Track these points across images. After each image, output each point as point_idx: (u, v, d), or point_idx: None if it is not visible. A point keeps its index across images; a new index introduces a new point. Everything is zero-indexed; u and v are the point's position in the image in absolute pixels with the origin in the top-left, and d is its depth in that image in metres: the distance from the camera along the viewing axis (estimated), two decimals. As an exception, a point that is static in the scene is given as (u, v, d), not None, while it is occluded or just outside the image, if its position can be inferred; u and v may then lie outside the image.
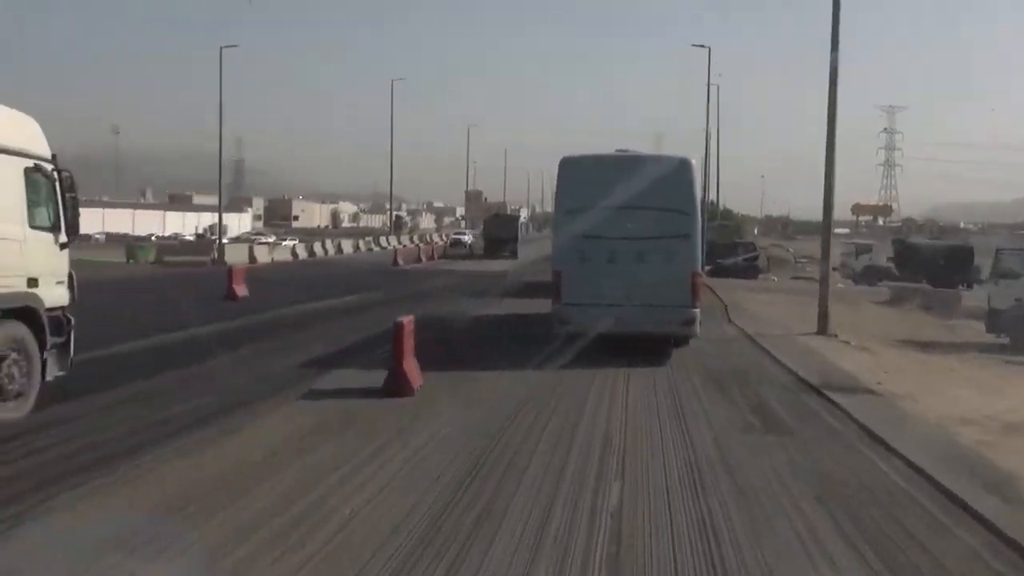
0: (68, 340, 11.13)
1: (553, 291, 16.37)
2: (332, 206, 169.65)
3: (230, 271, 27.14)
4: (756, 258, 52.33)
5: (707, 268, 40.90)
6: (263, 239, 79.58)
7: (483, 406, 11.88)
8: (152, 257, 51.60)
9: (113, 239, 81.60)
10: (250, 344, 17.17)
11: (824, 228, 22.80)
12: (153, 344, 16.67)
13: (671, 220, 15.88)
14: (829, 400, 12.56)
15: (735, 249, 54.03)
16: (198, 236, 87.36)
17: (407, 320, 12.57)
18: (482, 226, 69.94)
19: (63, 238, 11.17)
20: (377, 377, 12.40)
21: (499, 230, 61.82)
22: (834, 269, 40.79)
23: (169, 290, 31.16)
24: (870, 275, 50.93)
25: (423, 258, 55.87)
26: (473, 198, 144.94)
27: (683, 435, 10.39)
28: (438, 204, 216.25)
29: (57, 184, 11.09)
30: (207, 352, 15.90)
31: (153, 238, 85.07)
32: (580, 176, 16.41)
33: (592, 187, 16.07)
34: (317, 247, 62.17)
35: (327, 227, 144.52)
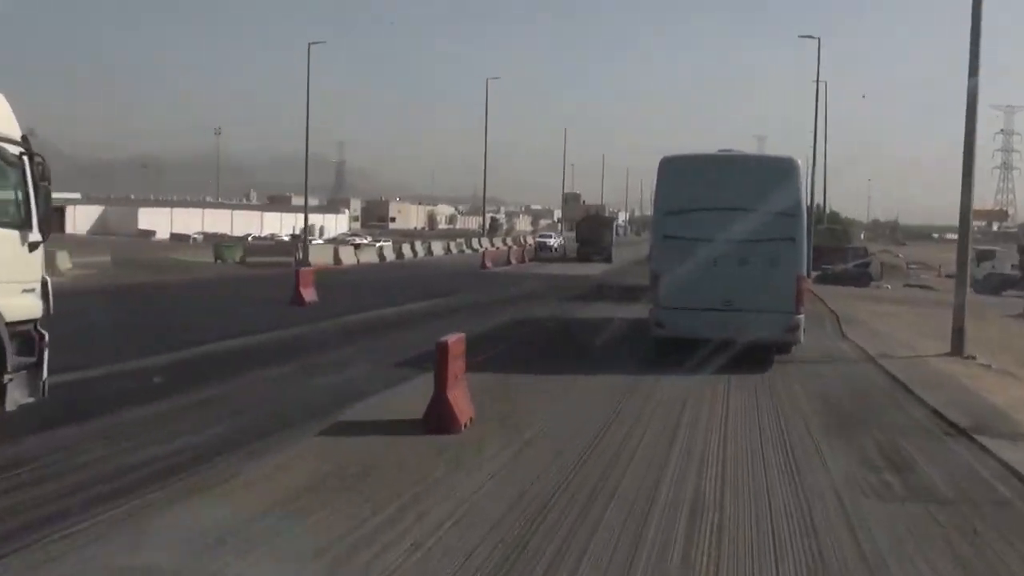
0: (40, 360, 9.14)
1: (651, 294, 15.87)
2: (428, 208, 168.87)
3: (297, 274, 25.33)
4: (868, 264, 48.72)
5: (813, 274, 37.99)
6: (356, 240, 78.47)
7: (543, 449, 9.54)
8: (238, 257, 50.70)
9: (211, 239, 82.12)
10: (296, 358, 15.22)
11: (961, 235, 19.71)
12: (181, 358, 14.82)
13: (775, 222, 15.11)
14: (986, 450, 9.84)
15: (845, 254, 50.70)
16: (292, 237, 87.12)
17: (453, 340, 10.30)
18: (575, 228, 67.38)
19: (34, 236, 9.19)
20: (424, 405, 10.16)
21: (592, 232, 59.16)
22: (949, 277, 37.39)
23: (238, 293, 29.74)
24: (993, 284, 46.65)
25: (513, 260, 53.74)
26: (571, 200, 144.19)
27: (797, 500, 7.85)
28: (536, 206, 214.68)
29: (28, 171, 9.12)
30: (240, 368, 14.03)
31: (249, 238, 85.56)
32: (680, 176, 15.84)
33: (693, 188, 15.57)
34: (406, 249, 60.57)
35: (423, 229, 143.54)
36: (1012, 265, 52.08)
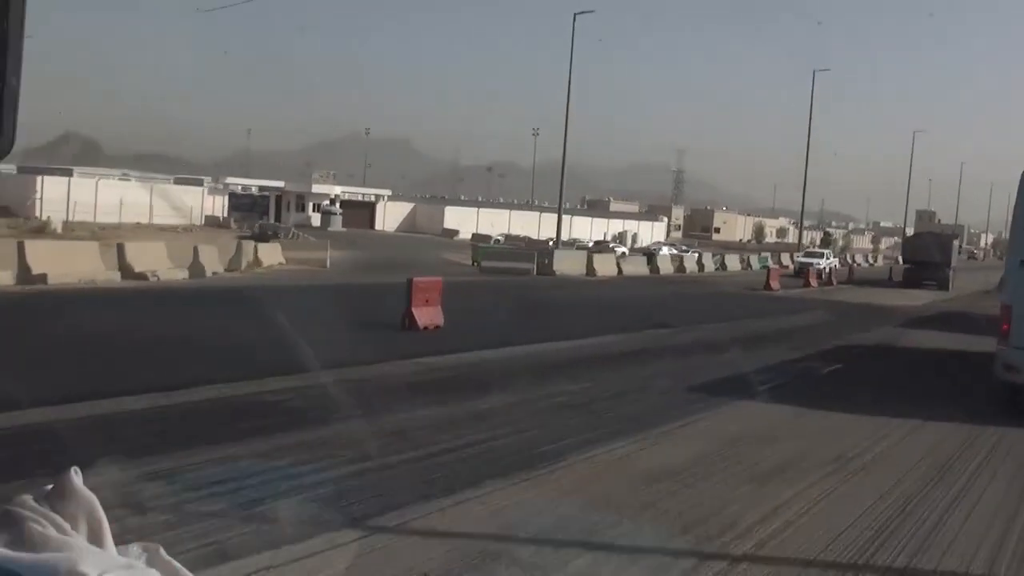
0: None
1: (1000, 329, 13.61)
2: (756, 219, 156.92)
3: (410, 286, 17.75)
4: None
5: None
6: (666, 250, 70.95)
7: None
8: (491, 262, 44.88)
9: (512, 241, 79.18)
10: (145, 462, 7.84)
11: None
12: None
13: None
14: None
15: None
16: (596, 243, 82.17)
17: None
18: (901, 247, 55.04)
19: None
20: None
21: (924, 252, 46.53)
22: None
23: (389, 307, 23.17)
24: None
25: (812, 282, 43.11)
26: (924, 218, 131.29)
27: None
28: (886, 224, 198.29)
29: None
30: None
31: (549, 243, 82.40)
32: None
33: None
34: (688, 261, 51.94)
35: (749, 241, 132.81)
36: None
